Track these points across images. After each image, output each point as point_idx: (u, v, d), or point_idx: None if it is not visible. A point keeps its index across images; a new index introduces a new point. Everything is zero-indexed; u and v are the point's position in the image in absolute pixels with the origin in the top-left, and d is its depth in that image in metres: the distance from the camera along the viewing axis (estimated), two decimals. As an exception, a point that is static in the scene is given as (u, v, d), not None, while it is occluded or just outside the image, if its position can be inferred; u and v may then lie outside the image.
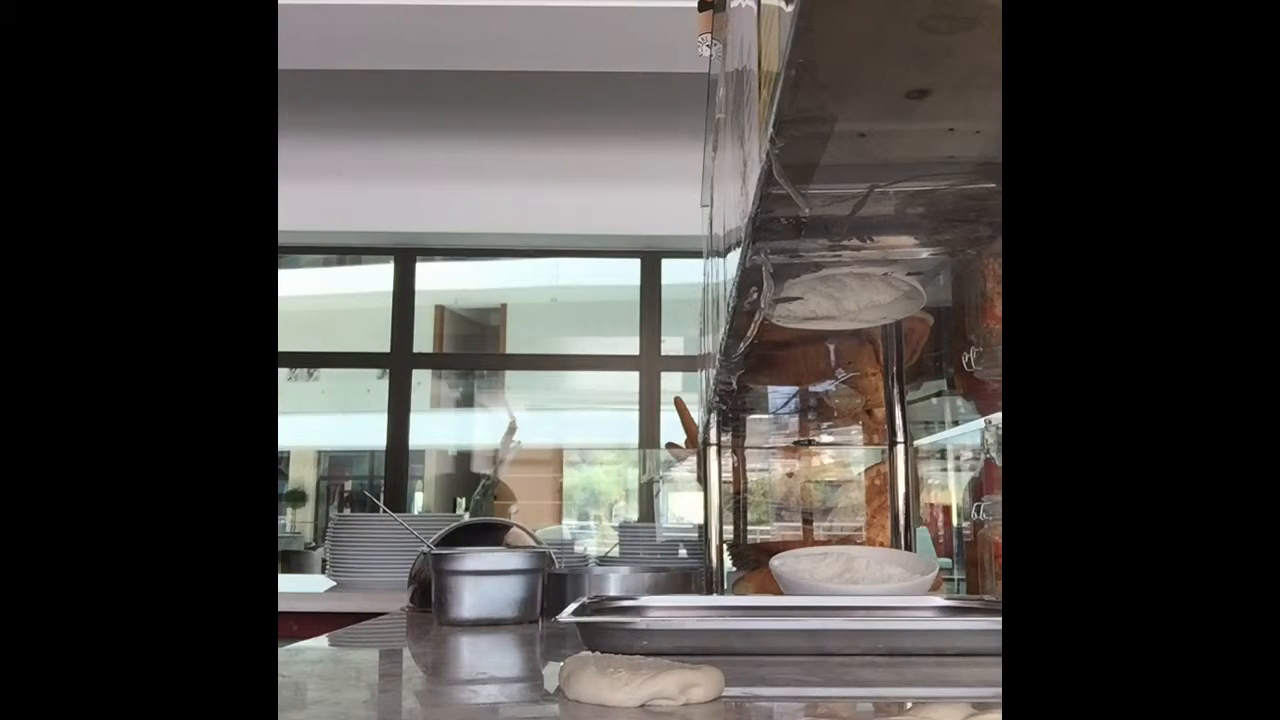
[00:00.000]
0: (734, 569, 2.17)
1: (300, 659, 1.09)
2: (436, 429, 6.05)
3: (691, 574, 1.75)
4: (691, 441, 2.89)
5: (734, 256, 1.15)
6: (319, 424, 6.62)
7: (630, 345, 4.73)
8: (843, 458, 2.49)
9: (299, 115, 3.71)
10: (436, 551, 1.47)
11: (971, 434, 2.22)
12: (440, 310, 5.72)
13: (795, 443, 2.48)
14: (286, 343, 4.16)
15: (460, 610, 1.42)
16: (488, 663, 1.14)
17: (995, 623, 1.01)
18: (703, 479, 2.06)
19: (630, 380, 4.66)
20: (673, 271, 4.72)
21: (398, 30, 3.19)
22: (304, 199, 4.07)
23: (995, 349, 1.19)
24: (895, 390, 1.68)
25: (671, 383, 4.65)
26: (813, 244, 1.06)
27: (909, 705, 0.73)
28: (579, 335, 6.39)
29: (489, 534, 1.89)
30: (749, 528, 2.60)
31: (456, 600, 1.43)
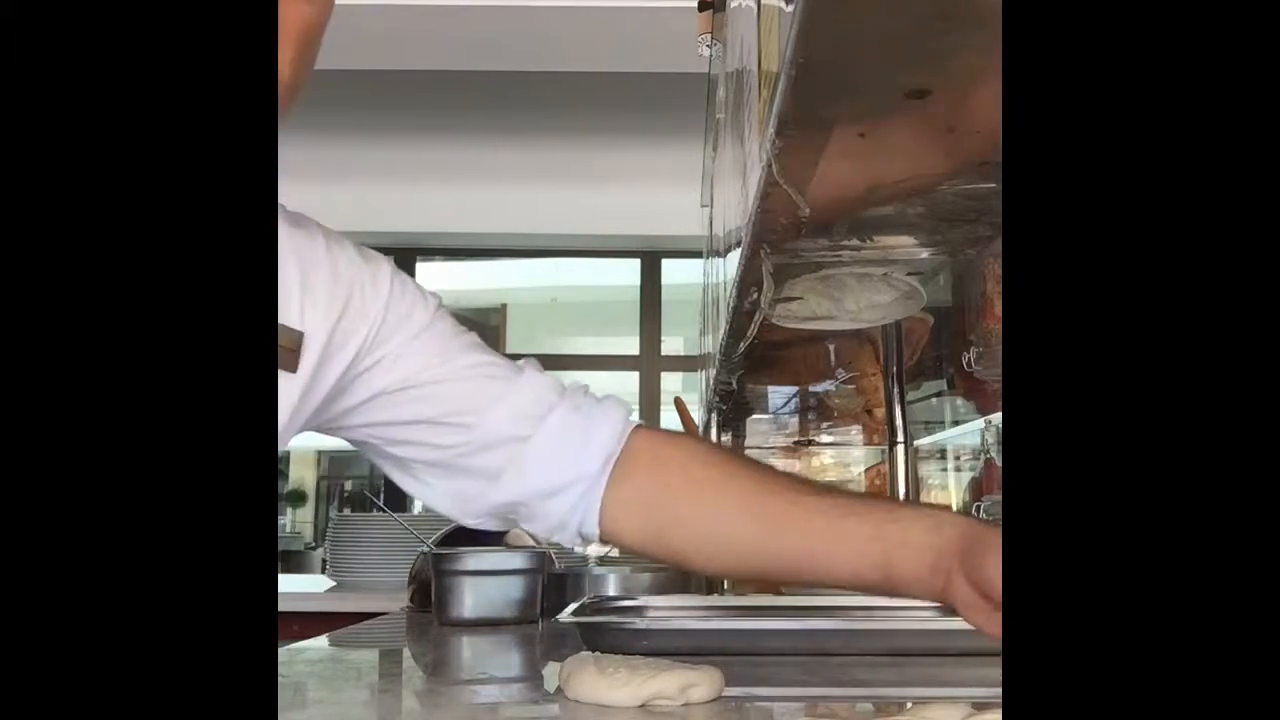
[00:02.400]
0: (734, 569, 2.17)
1: (300, 659, 1.09)
2: (437, 429, 6.05)
3: (691, 574, 1.75)
4: (691, 441, 2.89)
5: (734, 256, 1.15)
6: (319, 424, 6.61)
7: (630, 345, 4.73)
8: (843, 458, 2.49)
9: (299, 115, 3.70)
10: (436, 551, 1.48)
11: (971, 434, 2.22)
12: (440, 310, 5.71)
13: (795, 443, 2.48)
14: (286, 343, 4.14)
15: (460, 610, 1.42)
16: (488, 663, 1.14)
17: (995, 623, 1.00)
18: (703, 479, 2.06)
19: (630, 380, 4.66)
20: (673, 271, 4.72)
21: (397, 30, 3.19)
22: (304, 199, 4.05)
23: (995, 349, 1.18)
24: (895, 390, 1.68)
25: (671, 383, 4.65)
26: (813, 244, 1.06)
27: (909, 705, 0.73)
28: (579, 335, 6.39)
29: (489, 534, 1.89)
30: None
31: (456, 600, 1.43)
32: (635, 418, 0.81)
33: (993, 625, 0.65)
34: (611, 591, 1.53)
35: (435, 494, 0.80)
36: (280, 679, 0.92)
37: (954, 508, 2.61)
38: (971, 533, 0.67)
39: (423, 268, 4.81)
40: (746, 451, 2.57)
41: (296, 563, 6.06)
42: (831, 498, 0.75)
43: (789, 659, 1.00)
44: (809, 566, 0.74)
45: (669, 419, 3.86)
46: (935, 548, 0.68)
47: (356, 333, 0.77)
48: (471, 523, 0.80)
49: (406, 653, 1.31)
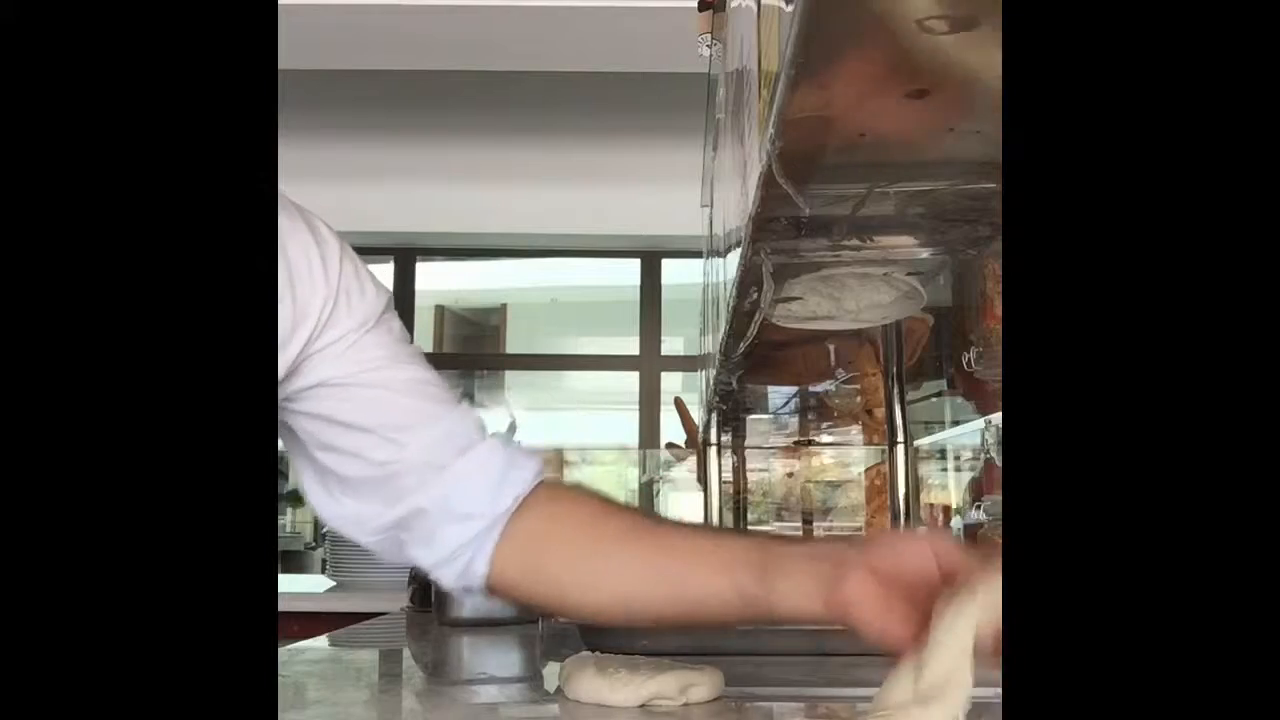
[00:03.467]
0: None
1: (300, 659, 1.09)
2: (437, 429, 6.04)
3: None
4: (691, 441, 2.90)
5: (734, 256, 1.15)
6: (319, 424, 6.59)
7: (630, 345, 4.73)
8: (843, 458, 2.49)
9: (299, 115, 3.71)
10: (436, 551, 1.47)
11: (971, 434, 2.22)
12: (440, 310, 5.71)
13: (795, 443, 2.48)
14: (286, 343, 4.13)
15: (460, 610, 1.42)
16: (488, 663, 1.14)
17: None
18: (703, 479, 2.06)
19: (630, 380, 4.66)
20: (673, 271, 4.71)
21: (398, 30, 3.19)
22: (304, 199, 4.05)
23: (995, 349, 1.19)
24: (895, 390, 1.68)
25: (671, 383, 4.65)
26: (813, 244, 1.06)
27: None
28: (579, 335, 6.38)
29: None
30: (749, 528, 2.60)
31: (456, 600, 1.42)
32: (546, 472, 0.81)
33: (886, 621, 0.63)
34: (611, 591, 1.53)
35: (341, 511, 0.78)
36: (280, 679, 0.92)
37: (954, 507, 2.61)
38: (867, 537, 0.68)
39: (423, 268, 4.80)
40: (747, 451, 2.57)
41: (296, 563, 6.04)
42: (724, 530, 0.75)
43: (789, 659, 1.00)
44: (690, 585, 0.72)
45: (669, 419, 3.86)
46: (816, 554, 0.68)
47: (309, 312, 0.75)
48: (366, 541, 0.79)
49: (406, 653, 1.31)
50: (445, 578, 0.78)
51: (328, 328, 0.76)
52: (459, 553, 0.76)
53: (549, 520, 0.78)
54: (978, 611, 0.58)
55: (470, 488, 0.76)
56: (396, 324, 0.82)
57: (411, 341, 0.83)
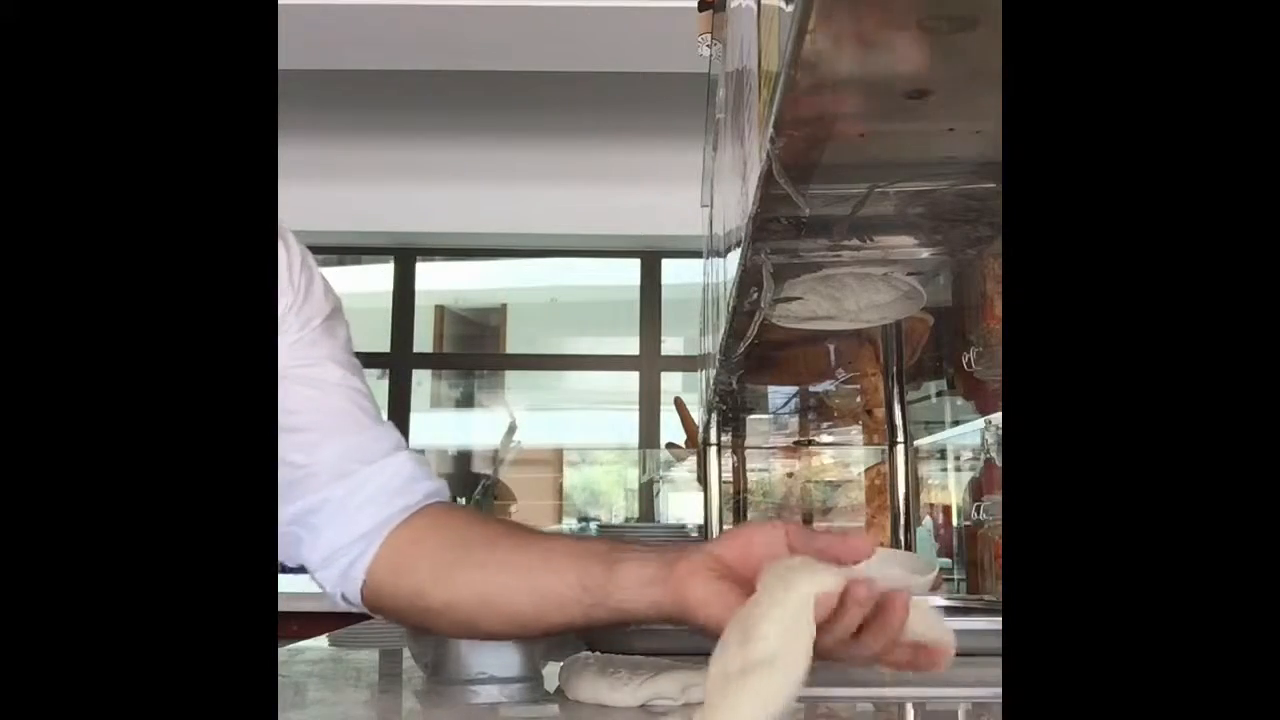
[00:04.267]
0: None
1: (300, 659, 1.09)
2: (436, 429, 6.04)
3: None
4: (691, 441, 2.90)
5: (734, 256, 1.15)
6: (319, 424, 6.58)
7: (630, 345, 4.72)
8: (843, 458, 2.49)
9: (299, 115, 3.71)
10: (436, 551, 1.47)
11: (971, 434, 2.22)
12: (440, 310, 5.71)
13: (795, 443, 2.48)
14: (286, 343, 4.12)
15: (460, 610, 1.41)
16: (488, 663, 1.14)
17: (995, 623, 1.00)
18: (703, 479, 2.06)
19: (630, 380, 4.65)
20: (673, 271, 4.71)
21: (398, 30, 3.19)
22: (304, 199, 4.06)
23: (995, 349, 1.19)
24: (895, 390, 1.68)
25: (671, 383, 4.65)
26: (813, 244, 1.06)
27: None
28: (579, 335, 6.38)
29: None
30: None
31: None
32: (445, 494, 0.82)
33: (721, 599, 0.62)
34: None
35: None
36: (280, 679, 0.92)
37: (954, 508, 2.61)
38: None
39: (423, 268, 4.80)
40: (747, 451, 2.57)
41: (297, 563, 6.03)
42: (583, 536, 0.78)
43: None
44: (539, 576, 0.74)
45: (669, 419, 3.86)
46: (663, 548, 0.70)
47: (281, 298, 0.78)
48: None
49: (406, 653, 1.31)
50: (326, 581, 0.80)
51: (283, 319, 0.78)
52: (339, 555, 0.78)
53: (423, 530, 0.79)
54: (813, 582, 0.55)
55: (366, 495, 0.77)
56: (344, 332, 0.84)
57: (354, 356, 0.85)
